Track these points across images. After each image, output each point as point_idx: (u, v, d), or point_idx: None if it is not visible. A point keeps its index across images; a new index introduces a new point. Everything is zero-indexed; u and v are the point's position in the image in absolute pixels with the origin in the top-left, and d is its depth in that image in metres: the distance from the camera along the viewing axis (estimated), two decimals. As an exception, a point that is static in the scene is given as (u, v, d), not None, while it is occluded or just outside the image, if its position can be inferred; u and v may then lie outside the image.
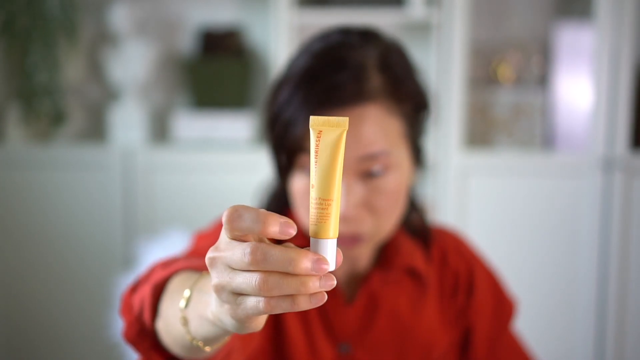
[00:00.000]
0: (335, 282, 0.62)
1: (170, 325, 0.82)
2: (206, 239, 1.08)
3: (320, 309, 1.08)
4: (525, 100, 2.51)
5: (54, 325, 2.59)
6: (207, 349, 0.78)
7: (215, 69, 2.60)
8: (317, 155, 0.65)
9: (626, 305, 2.45)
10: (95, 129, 2.84)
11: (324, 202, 0.64)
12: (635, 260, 2.44)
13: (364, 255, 1.11)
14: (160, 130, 2.79)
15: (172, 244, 1.55)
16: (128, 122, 2.59)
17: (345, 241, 1.03)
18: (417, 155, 1.11)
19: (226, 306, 0.63)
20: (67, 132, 2.71)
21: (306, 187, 1.03)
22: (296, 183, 1.04)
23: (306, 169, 1.03)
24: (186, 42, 2.78)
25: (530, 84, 2.59)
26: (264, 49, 2.74)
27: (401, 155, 1.05)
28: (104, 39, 2.74)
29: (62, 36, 2.56)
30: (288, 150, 1.03)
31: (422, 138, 1.13)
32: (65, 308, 2.58)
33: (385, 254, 1.13)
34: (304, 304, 0.61)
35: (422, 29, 2.58)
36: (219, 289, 0.63)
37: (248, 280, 0.60)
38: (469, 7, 2.46)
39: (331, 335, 1.09)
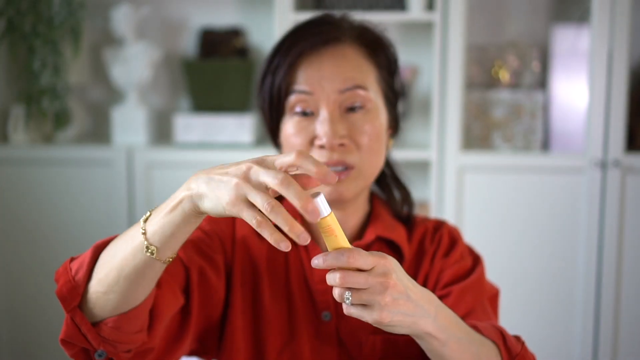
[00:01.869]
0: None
1: (118, 254, 0.91)
2: None
3: (304, 280, 1.14)
4: (523, 102, 2.55)
5: (59, 318, 2.61)
6: (158, 258, 0.89)
7: (216, 71, 2.62)
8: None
9: (620, 301, 2.49)
10: (99, 131, 2.86)
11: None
12: (629, 258, 2.47)
13: (351, 217, 1.16)
14: (162, 133, 2.82)
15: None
16: (131, 124, 2.61)
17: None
18: (392, 113, 1.19)
19: (232, 193, 0.80)
20: (71, 133, 2.73)
21: (295, 128, 1.11)
22: (287, 126, 1.13)
23: (294, 111, 1.12)
24: (188, 45, 2.81)
25: (528, 86, 2.63)
26: (265, 51, 2.77)
27: (378, 98, 1.14)
28: (107, 41, 2.76)
29: (67, 38, 2.59)
30: (277, 94, 1.12)
31: (398, 101, 1.21)
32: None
33: (367, 225, 1.18)
34: (276, 237, 0.80)
35: (422, 31, 2.62)
36: (243, 183, 0.80)
37: (264, 197, 0.79)
38: (468, 10, 2.50)
39: (313, 305, 1.13)
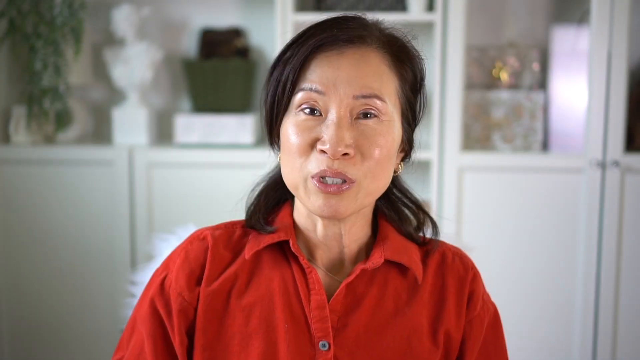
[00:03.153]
0: None
1: None
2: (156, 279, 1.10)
3: (300, 307, 1.05)
4: (523, 103, 2.56)
5: (60, 317, 2.62)
6: None
7: (217, 71, 2.62)
8: None
9: (619, 300, 2.50)
10: (100, 131, 2.87)
11: None
12: (628, 257, 2.48)
13: (348, 236, 1.08)
14: (163, 133, 2.82)
15: (180, 240, 1.58)
16: (132, 124, 2.62)
17: (332, 187, 0.99)
18: (407, 132, 1.08)
19: None
20: (72, 133, 2.74)
21: (299, 127, 1.01)
22: (289, 123, 1.02)
23: (301, 108, 1.02)
24: (189, 45, 2.82)
25: (528, 86, 2.64)
26: (265, 52, 2.78)
27: (394, 113, 1.03)
28: (108, 41, 2.77)
29: (68, 39, 2.59)
30: (284, 86, 1.02)
31: (415, 123, 1.10)
32: (74, 299, 2.61)
33: (374, 246, 1.09)
34: None
35: (422, 32, 2.63)
36: None
37: None
38: (468, 11, 2.51)
39: (310, 333, 1.03)
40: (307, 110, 1.01)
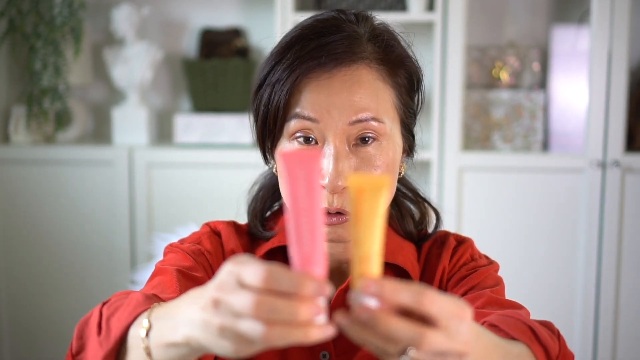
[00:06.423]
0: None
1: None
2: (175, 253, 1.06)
3: None
4: (523, 103, 2.56)
5: (60, 317, 2.62)
6: None
7: (217, 71, 2.63)
8: (358, 217, 0.65)
9: (619, 299, 2.50)
10: (100, 131, 2.87)
11: (362, 259, 0.66)
12: (629, 257, 2.49)
13: (349, 251, 1.05)
14: (163, 133, 2.82)
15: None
16: (131, 124, 2.62)
17: (334, 218, 0.95)
18: (408, 140, 1.03)
19: (227, 342, 0.64)
20: (72, 133, 2.74)
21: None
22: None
23: (295, 137, 0.96)
24: (189, 45, 2.82)
25: (528, 86, 2.64)
26: (265, 52, 2.77)
27: (393, 127, 0.98)
28: (108, 41, 2.77)
29: (68, 39, 2.59)
30: (275, 113, 0.96)
31: (414, 124, 1.05)
32: (74, 299, 2.61)
33: None
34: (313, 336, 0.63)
35: (422, 32, 2.63)
36: (224, 330, 0.64)
37: (250, 325, 0.62)
38: (468, 10, 2.51)
39: (310, 345, 0.97)
40: (302, 139, 0.95)
